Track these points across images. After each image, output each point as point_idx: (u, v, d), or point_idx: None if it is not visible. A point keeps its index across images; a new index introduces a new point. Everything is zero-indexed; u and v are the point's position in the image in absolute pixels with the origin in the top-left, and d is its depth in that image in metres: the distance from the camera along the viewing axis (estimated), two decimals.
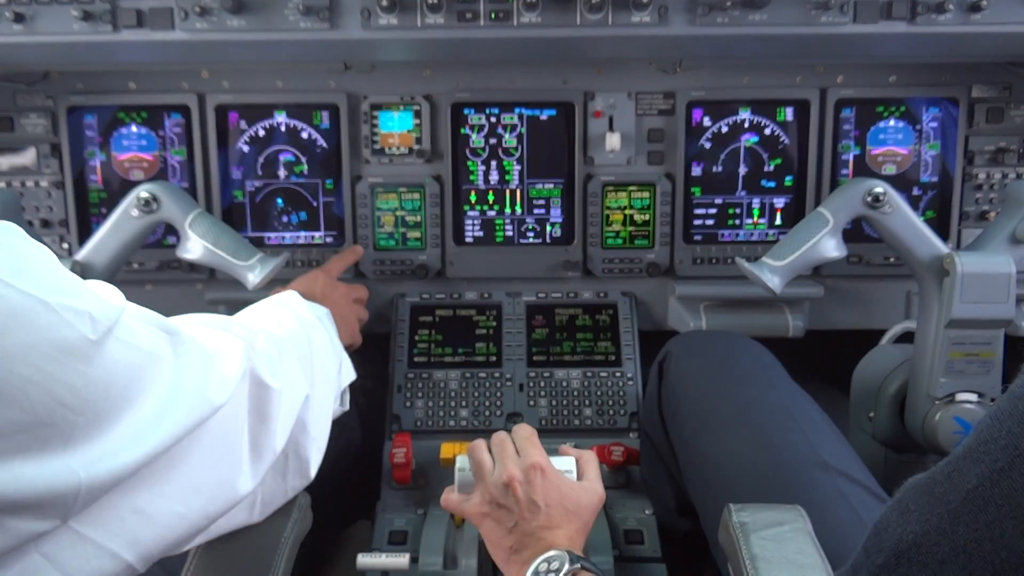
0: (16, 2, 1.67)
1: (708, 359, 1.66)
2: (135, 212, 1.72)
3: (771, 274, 1.66)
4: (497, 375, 2.00)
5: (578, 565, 1.14)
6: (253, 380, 1.10)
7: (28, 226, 2.03)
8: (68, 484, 0.76)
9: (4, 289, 0.72)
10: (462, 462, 1.46)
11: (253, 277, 1.76)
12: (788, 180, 2.09)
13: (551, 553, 1.17)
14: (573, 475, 1.41)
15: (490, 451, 1.40)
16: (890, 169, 2.08)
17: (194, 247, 1.75)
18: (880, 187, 1.65)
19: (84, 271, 1.67)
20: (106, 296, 0.87)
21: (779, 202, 2.10)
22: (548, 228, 2.12)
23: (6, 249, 0.75)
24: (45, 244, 1.86)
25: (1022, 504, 0.78)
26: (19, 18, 1.66)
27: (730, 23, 1.69)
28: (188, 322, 1.09)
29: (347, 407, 1.58)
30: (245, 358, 1.09)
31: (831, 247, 1.68)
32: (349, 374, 1.59)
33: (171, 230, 1.99)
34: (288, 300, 1.52)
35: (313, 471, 1.30)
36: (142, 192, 1.72)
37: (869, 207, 1.66)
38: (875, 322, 2.12)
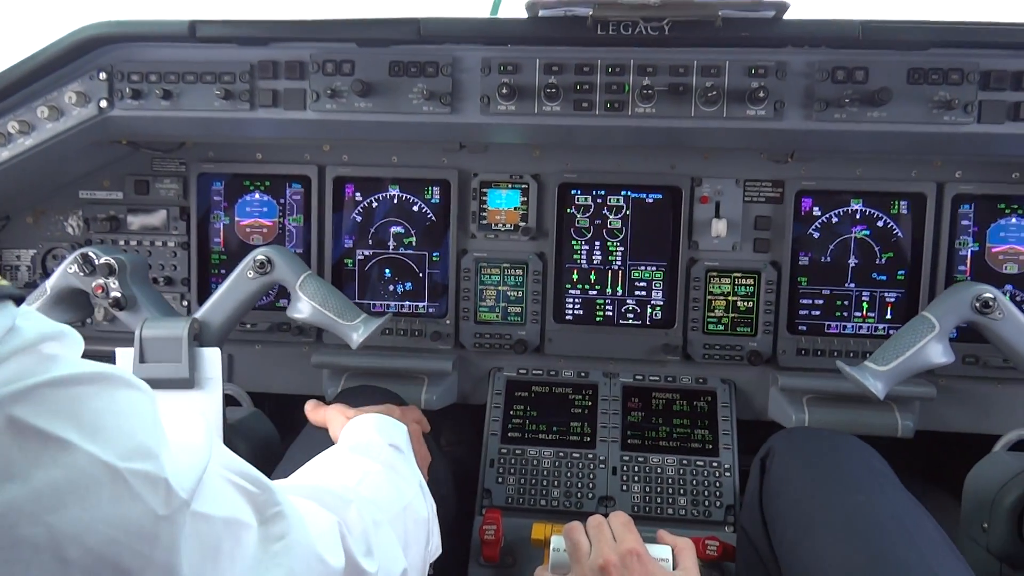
0: (165, 80, 1.81)
1: (814, 459, 1.60)
2: (251, 274, 1.80)
3: (874, 379, 1.59)
4: (591, 456, 1.98)
5: None
6: (350, 564, 1.01)
7: (154, 284, 2.16)
8: None
9: (69, 455, 0.63)
10: (557, 542, 1.46)
11: (357, 336, 1.81)
12: (900, 274, 2.03)
13: None
14: (669, 563, 1.39)
15: (586, 533, 1.39)
16: (1011, 268, 2.00)
17: (303, 307, 1.82)
18: (989, 292, 1.58)
19: (202, 328, 1.75)
20: (191, 450, 0.78)
21: (890, 296, 2.04)
22: (649, 310, 2.11)
23: (95, 399, 0.67)
24: (167, 301, 1.97)
25: None
26: (167, 95, 1.80)
27: (847, 119, 1.68)
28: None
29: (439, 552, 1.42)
30: (340, 539, 1.01)
31: (938, 353, 1.61)
32: (437, 548, 1.42)
33: (283, 293, 2.08)
34: (369, 444, 1.40)
35: None
36: (258, 255, 1.81)
37: (978, 313, 1.58)
38: (991, 426, 2.01)
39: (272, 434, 1.96)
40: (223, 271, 2.16)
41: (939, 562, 1.33)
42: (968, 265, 2.01)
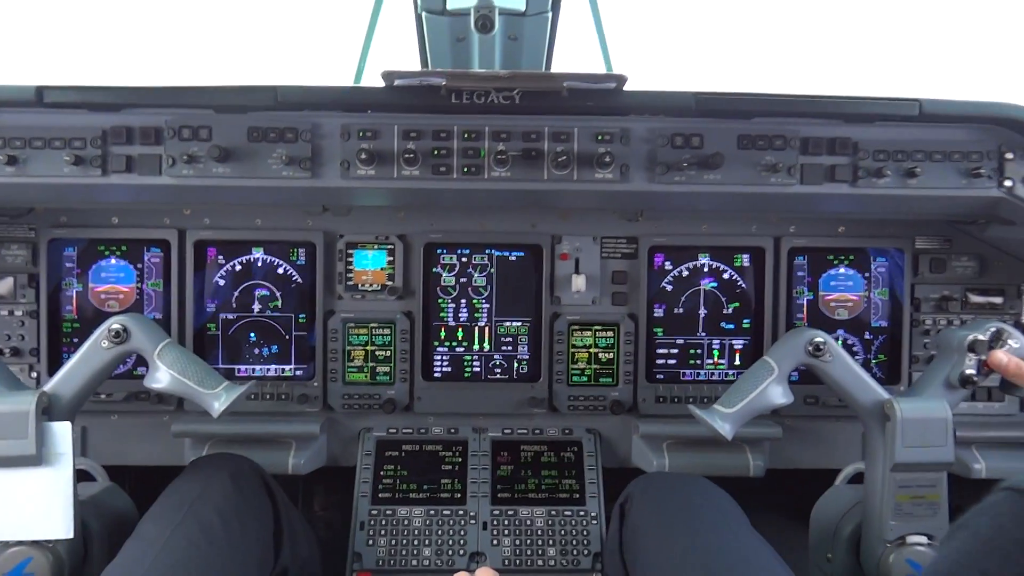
0: (10, 146, 1.75)
1: (668, 503, 1.68)
2: (105, 343, 1.73)
3: (722, 421, 1.70)
4: (461, 512, 2.00)
5: None
6: None
7: (0, 355, 2.04)
8: None
9: None
10: None
11: (219, 405, 1.76)
12: (746, 323, 2.17)
13: None
14: None
15: None
16: (842, 314, 2.18)
17: (162, 376, 1.76)
18: (820, 337, 1.73)
19: (51, 402, 1.67)
20: None
21: (738, 343, 2.18)
22: (515, 365, 2.17)
23: None
24: (13, 373, 1.87)
25: None
26: (12, 160, 1.74)
27: (687, 181, 1.81)
28: None
29: None
30: None
31: (778, 394, 1.73)
32: None
33: (141, 361, 2.00)
34: None
35: None
36: (113, 324, 1.74)
37: (811, 356, 1.73)
38: (833, 461, 2.16)
39: (129, 509, 1.87)
40: (75, 340, 2.08)
41: None
42: (805, 312, 2.18)
